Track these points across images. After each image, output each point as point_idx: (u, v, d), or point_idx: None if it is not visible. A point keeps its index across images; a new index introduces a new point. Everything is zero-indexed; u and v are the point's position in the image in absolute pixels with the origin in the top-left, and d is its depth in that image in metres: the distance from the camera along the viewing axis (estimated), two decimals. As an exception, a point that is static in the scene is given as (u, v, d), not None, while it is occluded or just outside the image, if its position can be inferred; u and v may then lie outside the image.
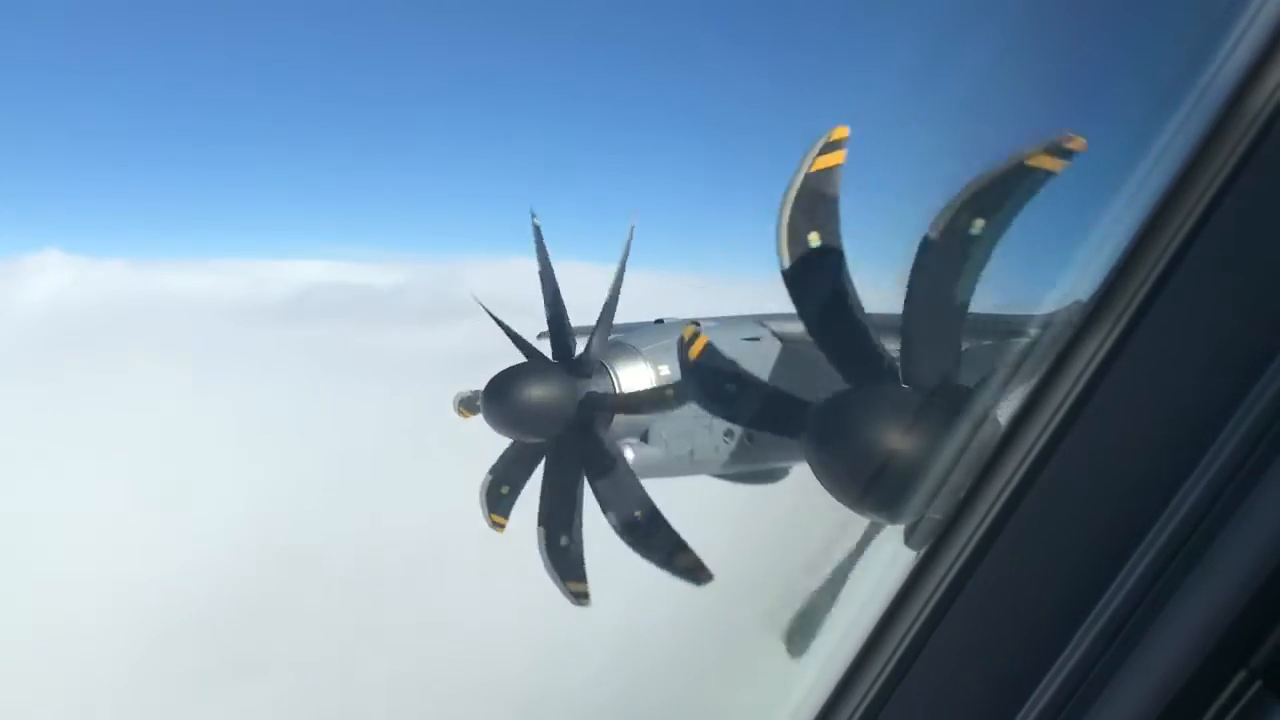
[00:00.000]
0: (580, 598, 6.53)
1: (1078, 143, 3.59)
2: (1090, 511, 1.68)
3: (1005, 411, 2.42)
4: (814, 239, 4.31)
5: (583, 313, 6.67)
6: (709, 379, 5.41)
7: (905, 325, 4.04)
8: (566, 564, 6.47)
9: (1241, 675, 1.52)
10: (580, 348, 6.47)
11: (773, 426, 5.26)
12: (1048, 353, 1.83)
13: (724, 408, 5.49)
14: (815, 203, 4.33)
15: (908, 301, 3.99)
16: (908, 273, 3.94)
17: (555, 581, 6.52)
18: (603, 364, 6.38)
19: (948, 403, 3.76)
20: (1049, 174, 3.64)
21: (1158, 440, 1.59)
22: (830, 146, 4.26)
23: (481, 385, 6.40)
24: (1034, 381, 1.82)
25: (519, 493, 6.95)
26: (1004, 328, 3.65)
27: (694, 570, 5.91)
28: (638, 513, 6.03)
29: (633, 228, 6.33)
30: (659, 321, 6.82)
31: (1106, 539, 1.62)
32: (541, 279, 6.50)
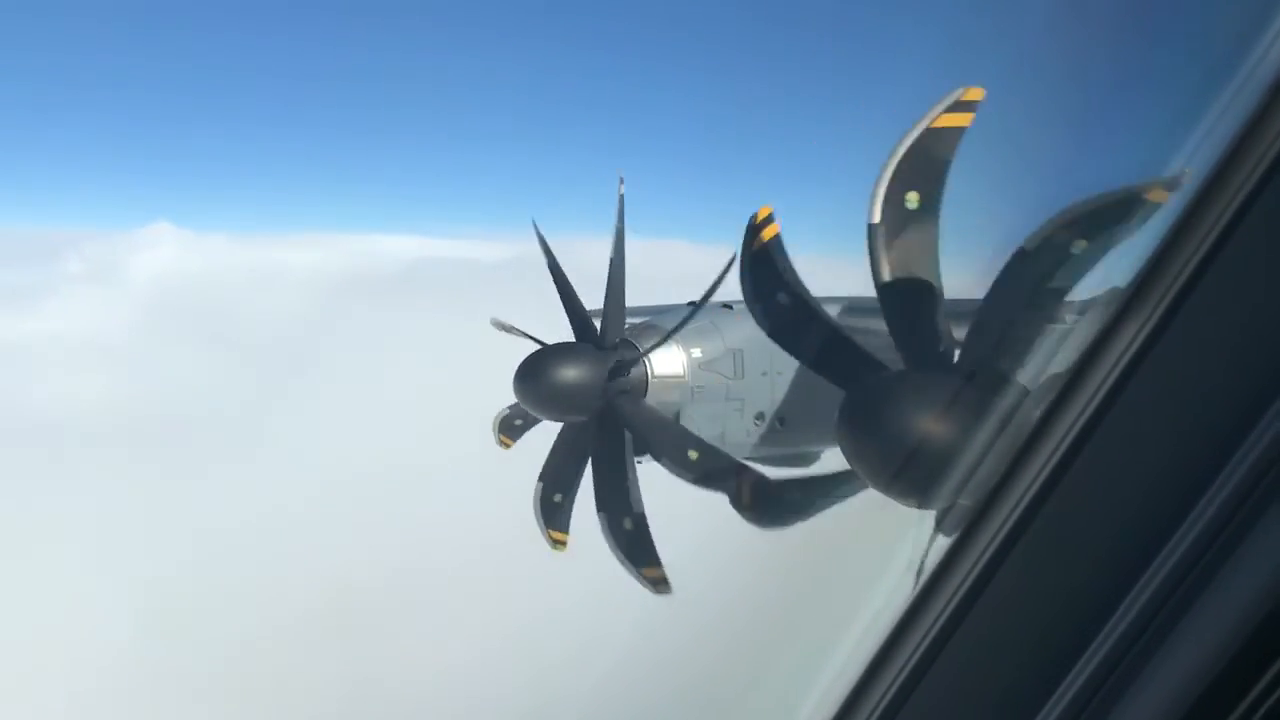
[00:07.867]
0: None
1: (1186, 175, 3.46)
2: (1123, 502, 1.67)
3: (1039, 399, 2.40)
4: (912, 199, 3.94)
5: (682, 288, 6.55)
6: (765, 279, 4.91)
7: (979, 320, 3.93)
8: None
9: (1276, 668, 1.51)
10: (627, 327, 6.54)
11: (817, 367, 4.89)
12: (1082, 341, 1.81)
13: (772, 324, 4.99)
14: (925, 162, 3.95)
15: (988, 300, 3.85)
16: (990, 267, 3.77)
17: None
18: (635, 347, 6.39)
19: (981, 390, 3.73)
20: (1157, 205, 3.52)
21: (1193, 431, 1.58)
22: (959, 106, 3.84)
23: None
24: (1068, 371, 1.81)
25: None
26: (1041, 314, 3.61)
27: (657, 583, 6.00)
28: (626, 521, 6.04)
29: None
30: (692, 304, 6.84)
31: (1139, 530, 1.61)
32: (614, 249, 6.44)
